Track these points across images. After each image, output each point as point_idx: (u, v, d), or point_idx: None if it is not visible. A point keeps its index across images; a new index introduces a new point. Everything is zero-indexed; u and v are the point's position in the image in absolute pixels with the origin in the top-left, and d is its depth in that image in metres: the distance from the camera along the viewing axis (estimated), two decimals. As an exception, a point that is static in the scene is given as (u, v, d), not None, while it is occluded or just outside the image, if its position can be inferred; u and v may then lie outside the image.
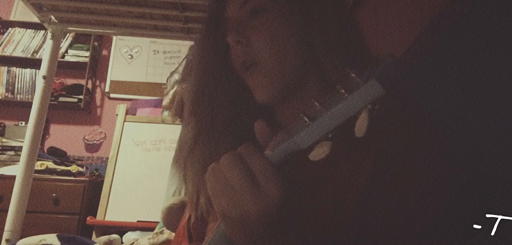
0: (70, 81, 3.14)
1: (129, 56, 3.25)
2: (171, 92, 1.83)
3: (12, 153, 2.73)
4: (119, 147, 2.70)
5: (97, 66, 3.26)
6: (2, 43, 3.09)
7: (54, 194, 2.45)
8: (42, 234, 1.61)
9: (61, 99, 3.03)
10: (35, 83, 2.91)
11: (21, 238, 1.61)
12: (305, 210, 0.55)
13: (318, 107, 0.38)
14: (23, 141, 1.77)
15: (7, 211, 1.65)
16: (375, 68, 0.34)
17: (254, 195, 0.41)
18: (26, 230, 1.71)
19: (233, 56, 0.65)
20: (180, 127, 1.89)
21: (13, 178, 1.71)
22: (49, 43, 1.80)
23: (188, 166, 0.67)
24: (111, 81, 3.20)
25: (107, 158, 2.74)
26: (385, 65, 0.34)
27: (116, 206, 2.52)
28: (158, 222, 1.74)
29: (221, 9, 0.68)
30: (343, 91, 0.36)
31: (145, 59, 3.25)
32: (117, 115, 2.83)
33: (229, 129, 0.65)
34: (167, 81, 1.93)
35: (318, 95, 0.62)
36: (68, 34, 3.07)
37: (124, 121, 2.79)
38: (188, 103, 0.72)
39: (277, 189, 0.41)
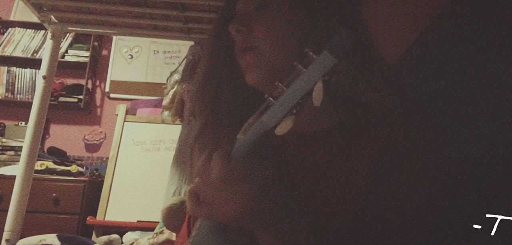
0: (70, 81, 3.14)
1: (129, 56, 3.25)
2: (171, 92, 1.83)
3: (12, 153, 2.73)
4: (119, 147, 2.70)
5: (97, 66, 3.26)
6: (2, 43, 3.09)
7: (54, 194, 2.45)
8: (42, 234, 1.61)
9: (61, 99, 3.03)
10: (35, 83, 2.91)
11: (21, 238, 1.61)
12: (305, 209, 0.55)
13: (281, 87, 0.41)
14: (23, 141, 1.77)
15: (7, 211, 1.65)
16: (328, 42, 0.37)
17: (229, 200, 0.44)
18: (26, 230, 1.71)
19: (235, 47, 0.66)
20: (180, 127, 1.89)
21: (13, 178, 1.71)
22: (49, 43, 1.80)
23: (193, 155, 0.69)
24: (111, 81, 3.20)
25: (107, 158, 2.75)
26: (336, 37, 0.37)
27: (116, 206, 2.52)
28: (158, 222, 1.74)
29: (232, 6, 0.70)
30: (300, 66, 0.39)
31: (145, 59, 3.25)
32: (117, 115, 2.83)
33: (233, 120, 0.66)
34: (167, 81, 1.93)
35: None
36: (68, 34, 3.07)
37: (124, 121, 2.79)
38: (193, 95, 0.73)
39: (245, 185, 0.44)
